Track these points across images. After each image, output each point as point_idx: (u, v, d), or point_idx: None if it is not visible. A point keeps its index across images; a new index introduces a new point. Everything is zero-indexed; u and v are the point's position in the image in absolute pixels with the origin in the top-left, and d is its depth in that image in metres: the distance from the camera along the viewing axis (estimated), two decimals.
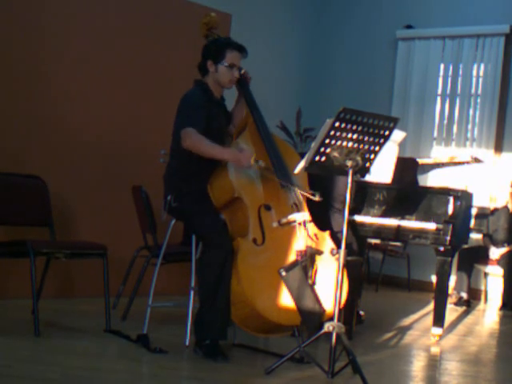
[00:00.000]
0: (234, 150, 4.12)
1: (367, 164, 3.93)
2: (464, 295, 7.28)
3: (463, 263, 7.39)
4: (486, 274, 7.79)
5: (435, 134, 8.44)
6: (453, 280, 7.54)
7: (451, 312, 6.77)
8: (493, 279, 7.81)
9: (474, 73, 8.24)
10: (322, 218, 4.51)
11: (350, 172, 3.82)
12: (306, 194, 4.19)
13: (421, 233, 4.95)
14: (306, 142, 8.35)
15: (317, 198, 4.10)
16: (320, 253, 4.13)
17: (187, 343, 4.21)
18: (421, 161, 5.73)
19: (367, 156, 3.88)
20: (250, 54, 4.41)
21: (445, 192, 5.01)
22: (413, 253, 8.17)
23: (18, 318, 4.73)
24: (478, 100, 8.20)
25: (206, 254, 4.05)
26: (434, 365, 4.67)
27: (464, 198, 5.10)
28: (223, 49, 4.25)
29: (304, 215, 4.20)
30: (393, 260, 8.35)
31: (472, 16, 8.22)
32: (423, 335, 5.42)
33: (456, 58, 8.31)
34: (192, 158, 4.18)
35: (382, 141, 3.88)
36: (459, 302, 7.23)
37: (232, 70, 4.26)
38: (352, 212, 5.04)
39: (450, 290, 7.02)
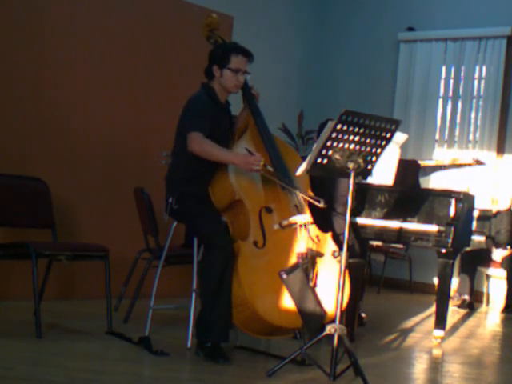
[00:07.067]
0: (242, 154, 4.10)
1: (369, 166, 3.92)
2: (467, 298, 7.27)
3: (466, 266, 7.38)
4: (488, 277, 7.78)
5: (437, 136, 8.44)
6: (455, 282, 7.54)
7: (453, 314, 6.76)
8: (495, 281, 7.80)
9: (476, 75, 8.24)
10: (324, 219, 4.51)
11: (352, 174, 3.83)
12: (308, 198, 4.17)
13: (423, 235, 4.94)
14: (308, 144, 8.36)
15: (321, 205, 4.08)
16: (321, 255, 4.13)
17: (189, 345, 4.22)
18: (423, 163, 5.73)
19: (369, 158, 3.88)
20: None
21: (447, 194, 5.00)
22: (415, 255, 8.17)
23: (20, 320, 4.73)
24: (480, 102, 8.19)
25: (207, 256, 4.05)
26: (435, 367, 4.66)
27: (466, 200, 5.09)
28: (228, 53, 4.23)
29: (305, 217, 4.19)
30: (395, 262, 8.34)
31: (474, 18, 8.21)
32: (425, 337, 5.42)
33: (458, 60, 8.30)
34: (194, 160, 4.17)
35: (383, 143, 3.87)
36: (463, 305, 7.22)
37: (237, 75, 4.24)
38: (353, 213, 5.04)
39: (452, 293, 7.01)
